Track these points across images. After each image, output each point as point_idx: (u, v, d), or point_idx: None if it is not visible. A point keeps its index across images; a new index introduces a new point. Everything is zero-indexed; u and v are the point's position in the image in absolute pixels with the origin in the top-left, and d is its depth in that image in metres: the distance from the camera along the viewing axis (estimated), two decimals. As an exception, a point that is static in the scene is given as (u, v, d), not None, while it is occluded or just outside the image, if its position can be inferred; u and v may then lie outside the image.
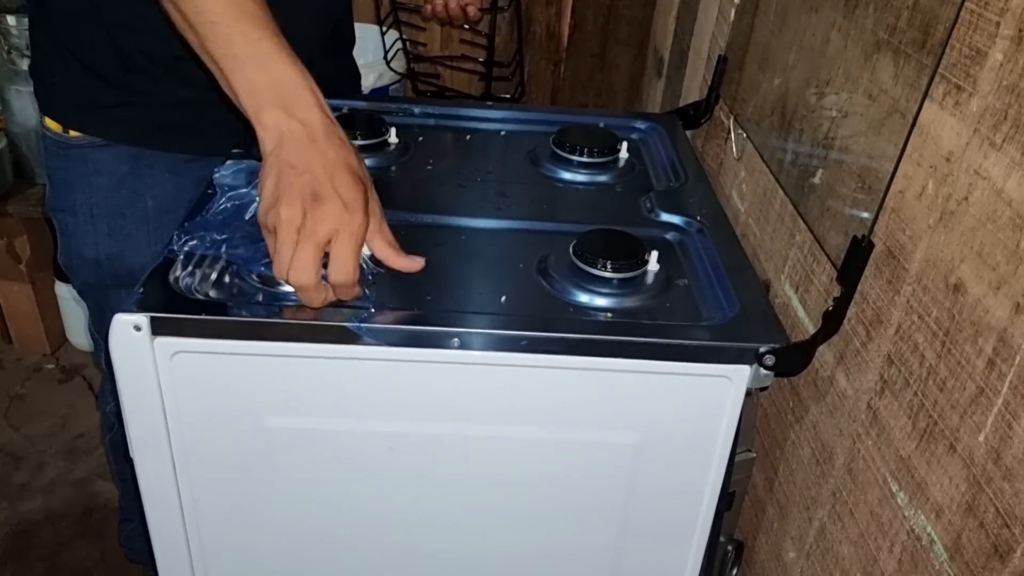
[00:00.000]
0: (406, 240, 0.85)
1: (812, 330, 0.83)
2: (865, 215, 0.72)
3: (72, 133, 1.01)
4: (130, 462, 0.76)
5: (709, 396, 0.74)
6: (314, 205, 0.67)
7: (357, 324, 0.70)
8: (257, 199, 0.71)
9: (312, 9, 1.04)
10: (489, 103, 1.33)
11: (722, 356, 0.72)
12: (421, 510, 0.79)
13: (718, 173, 1.15)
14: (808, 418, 0.84)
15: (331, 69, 1.18)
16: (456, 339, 0.70)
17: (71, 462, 1.77)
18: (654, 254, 0.81)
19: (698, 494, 0.79)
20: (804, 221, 0.86)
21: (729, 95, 1.13)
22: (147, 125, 1.00)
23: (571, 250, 0.81)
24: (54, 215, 1.07)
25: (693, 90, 1.29)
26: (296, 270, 0.67)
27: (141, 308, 0.70)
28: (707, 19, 1.24)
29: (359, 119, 1.04)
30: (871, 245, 0.70)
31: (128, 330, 0.69)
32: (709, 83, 1.14)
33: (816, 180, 0.83)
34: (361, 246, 0.70)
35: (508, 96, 1.54)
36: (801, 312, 0.87)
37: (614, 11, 1.96)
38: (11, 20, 1.77)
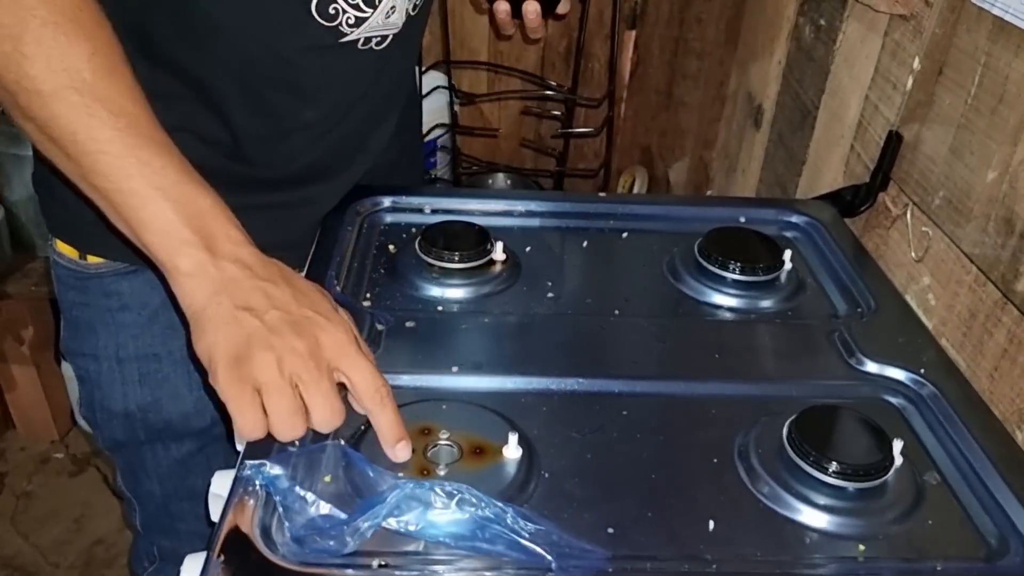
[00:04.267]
0: (550, 418, 0.64)
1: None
2: None
3: (91, 259, 0.80)
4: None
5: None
6: (299, 338, 0.56)
7: (539, 605, 0.49)
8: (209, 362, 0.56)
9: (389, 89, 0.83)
10: (602, 194, 1.12)
11: (1043, 621, 0.51)
12: None
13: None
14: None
15: (397, 152, 0.96)
16: (677, 618, 0.49)
17: (89, 577, 1.57)
18: (898, 444, 0.60)
19: None
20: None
21: (899, 177, 0.92)
22: None
23: (787, 444, 0.60)
24: (71, 360, 0.86)
25: (831, 163, 1.08)
26: (326, 418, 0.57)
27: (226, 590, 0.48)
28: (852, 78, 1.03)
29: (454, 232, 0.83)
30: None
31: (210, 627, 0.48)
32: (874, 163, 0.93)
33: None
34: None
35: (592, 130, 1.36)
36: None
37: (682, 43, 1.75)
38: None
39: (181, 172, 0.59)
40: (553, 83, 1.59)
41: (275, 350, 0.55)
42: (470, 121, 1.68)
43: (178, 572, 1.00)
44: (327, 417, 0.57)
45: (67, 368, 1.84)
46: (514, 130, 1.82)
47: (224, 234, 0.59)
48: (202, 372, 0.58)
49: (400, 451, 0.58)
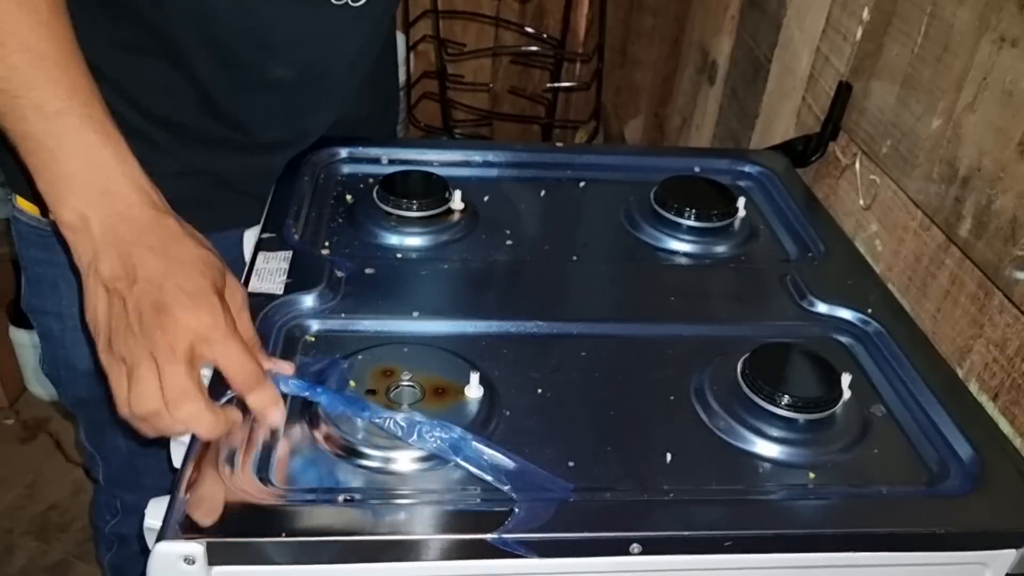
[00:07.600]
0: (510, 360, 0.65)
1: (1025, 451, 0.66)
2: None
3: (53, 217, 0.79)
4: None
5: (955, 585, 0.56)
6: (158, 318, 0.52)
7: (501, 536, 0.50)
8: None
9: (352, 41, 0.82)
10: (559, 144, 1.13)
11: (977, 542, 0.54)
12: None
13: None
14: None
15: (370, 104, 0.95)
16: (636, 544, 0.51)
17: (44, 541, 1.54)
18: (846, 378, 0.63)
19: None
20: (1020, 310, 0.68)
21: (849, 127, 0.94)
22: None
23: (741, 380, 0.62)
24: (34, 317, 0.84)
25: (782, 114, 1.10)
26: (175, 401, 0.51)
27: (191, 529, 0.49)
28: (804, 31, 1.04)
29: (412, 181, 0.83)
30: None
31: (176, 564, 0.48)
32: (825, 114, 0.95)
33: (1037, 269, 0.66)
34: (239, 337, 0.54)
35: (584, 84, 1.35)
36: (1005, 426, 0.69)
37: (636, 1, 1.75)
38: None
39: (83, 118, 0.55)
40: (534, 34, 1.58)
41: (134, 334, 0.52)
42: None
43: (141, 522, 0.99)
44: (171, 404, 0.52)
45: (15, 334, 1.80)
46: (486, 80, 1.81)
47: (117, 190, 0.55)
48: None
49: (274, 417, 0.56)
